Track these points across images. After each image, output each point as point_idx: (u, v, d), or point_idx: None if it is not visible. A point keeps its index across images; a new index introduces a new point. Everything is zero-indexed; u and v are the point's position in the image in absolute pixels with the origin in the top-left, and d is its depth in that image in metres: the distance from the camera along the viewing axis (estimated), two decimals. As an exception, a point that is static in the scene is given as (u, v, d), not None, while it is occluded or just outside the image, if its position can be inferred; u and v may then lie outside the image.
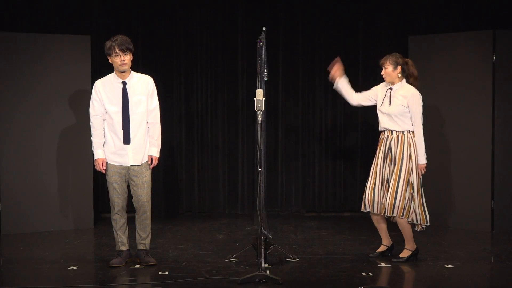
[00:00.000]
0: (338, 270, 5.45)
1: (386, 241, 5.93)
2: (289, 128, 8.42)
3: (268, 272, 5.19)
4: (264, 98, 5.29)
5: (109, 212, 5.73)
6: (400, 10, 8.17)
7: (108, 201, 5.70)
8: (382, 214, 5.71)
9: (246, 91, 8.30)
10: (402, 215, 5.59)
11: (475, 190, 7.21)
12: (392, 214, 5.61)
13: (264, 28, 5.54)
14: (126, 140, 5.53)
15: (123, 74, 5.56)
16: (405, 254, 5.73)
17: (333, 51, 8.28)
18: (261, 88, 5.34)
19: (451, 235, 6.96)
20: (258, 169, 5.38)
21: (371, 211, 5.78)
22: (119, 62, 5.50)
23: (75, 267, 5.57)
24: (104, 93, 5.56)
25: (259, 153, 5.36)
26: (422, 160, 5.66)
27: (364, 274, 5.32)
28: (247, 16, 8.32)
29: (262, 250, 5.28)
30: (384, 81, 5.85)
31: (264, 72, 5.43)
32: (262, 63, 5.43)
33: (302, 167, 8.42)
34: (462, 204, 7.28)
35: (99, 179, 7.98)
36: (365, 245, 6.39)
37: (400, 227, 5.73)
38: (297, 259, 5.81)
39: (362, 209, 5.84)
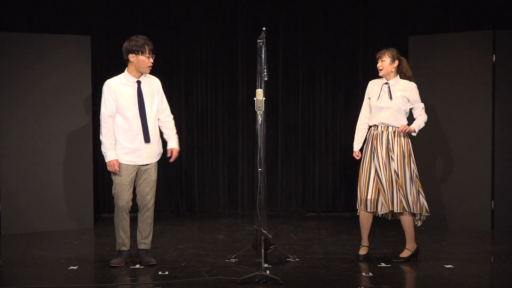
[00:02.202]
0: (338, 270, 5.45)
1: (367, 242, 5.87)
2: (289, 128, 8.42)
3: (268, 272, 5.19)
4: (264, 98, 5.29)
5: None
6: (400, 10, 8.18)
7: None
8: (394, 211, 5.61)
9: (246, 91, 8.31)
10: (420, 211, 5.62)
11: (475, 190, 7.21)
12: (410, 210, 5.57)
13: (264, 28, 5.53)
14: (147, 139, 5.49)
15: (137, 74, 5.52)
16: (405, 254, 5.73)
17: (333, 51, 8.34)
18: (261, 88, 5.33)
19: (451, 235, 6.96)
20: (258, 169, 5.38)
21: (373, 210, 5.66)
22: (149, 64, 5.48)
23: (75, 267, 5.56)
24: (120, 93, 5.47)
25: (259, 153, 5.36)
26: (415, 125, 5.71)
27: (364, 274, 5.32)
28: (247, 16, 8.32)
29: (262, 250, 5.28)
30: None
31: (264, 72, 5.43)
32: (262, 63, 5.42)
33: (302, 167, 8.42)
34: (462, 204, 7.27)
35: (99, 179, 7.99)
36: (365, 245, 6.39)
37: (405, 225, 5.68)
38: (297, 259, 5.81)
39: (364, 209, 5.68)
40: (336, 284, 5.03)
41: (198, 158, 8.43)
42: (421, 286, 5.12)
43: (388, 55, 5.77)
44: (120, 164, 5.50)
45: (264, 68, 5.42)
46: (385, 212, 5.65)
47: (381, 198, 5.65)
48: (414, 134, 5.76)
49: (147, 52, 5.46)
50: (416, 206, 5.61)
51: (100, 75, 7.70)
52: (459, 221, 7.30)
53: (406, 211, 5.63)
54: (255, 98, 5.27)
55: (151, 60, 5.49)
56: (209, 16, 8.36)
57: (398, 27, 8.15)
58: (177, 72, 8.35)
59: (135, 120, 5.48)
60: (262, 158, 5.37)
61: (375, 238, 6.56)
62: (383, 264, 5.62)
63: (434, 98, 7.39)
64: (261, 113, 5.29)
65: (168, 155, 5.68)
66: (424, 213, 5.67)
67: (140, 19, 8.27)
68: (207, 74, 8.38)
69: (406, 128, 5.65)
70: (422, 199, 5.66)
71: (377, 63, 5.82)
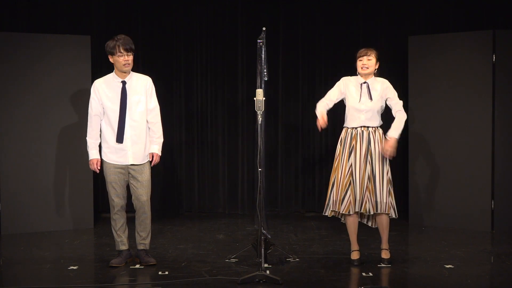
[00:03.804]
0: (338, 270, 5.45)
1: (357, 245, 5.74)
2: (289, 128, 8.42)
3: (268, 272, 5.19)
4: (264, 98, 5.29)
5: (109, 212, 5.73)
6: (400, 10, 8.18)
7: (108, 201, 5.70)
8: (370, 213, 5.50)
9: (246, 91, 8.31)
10: (388, 211, 5.52)
11: (475, 190, 7.21)
12: (377, 210, 5.45)
13: (264, 28, 5.54)
14: (119, 139, 5.50)
15: (123, 73, 5.56)
16: (388, 254, 5.68)
17: (333, 51, 8.33)
18: (261, 88, 5.34)
19: (451, 235, 6.96)
20: (258, 169, 5.38)
21: (355, 211, 5.52)
22: (123, 62, 5.50)
23: (75, 267, 5.57)
24: (103, 93, 5.55)
25: (259, 153, 5.36)
26: (396, 134, 5.50)
27: (364, 274, 5.32)
28: (247, 16, 8.32)
29: (262, 250, 5.28)
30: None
31: (264, 72, 5.43)
32: (262, 63, 5.42)
33: (302, 167, 8.42)
34: (462, 204, 7.27)
35: (99, 179, 7.97)
36: (365, 245, 6.37)
37: (384, 226, 5.59)
38: (297, 259, 5.81)
39: (345, 211, 5.53)
40: (336, 284, 5.03)
41: (198, 158, 8.43)
42: (421, 286, 5.11)
43: (374, 55, 5.62)
44: (106, 163, 5.57)
45: (264, 68, 5.42)
46: (353, 211, 5.51)
47: (350, 197, 5.51)
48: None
49: (121, 50, 5.47)
50: (384, 206, 5.48)
51: (100, 75, 7.65)
52: (459, 221, 7.30)
53: (372, 212, 5.50)
54: (255, 98, 5.27)
55: (126, 58, 5.49)
56: (209, 16, 8.36)
57: (398, 27, 8.15)
58: (177, 72, 8.35)
59: (117, 119, 5.51)
60: (262, 158, 5.37)
61: (375, 239, 6.56)
62: (383, 264, 5.61)
63: (434, 98, 7.39)
64: (261, 113, 5.29)
65: (150, 159, 5.69)
66: (392, 215, 5.55)
67: (140, 19, 8.27)
68: (207, 74, 8.38)
69: (390, 151, 5.45)
70: (391, 200, 5.52)
71: (357, 59, 5.62)
